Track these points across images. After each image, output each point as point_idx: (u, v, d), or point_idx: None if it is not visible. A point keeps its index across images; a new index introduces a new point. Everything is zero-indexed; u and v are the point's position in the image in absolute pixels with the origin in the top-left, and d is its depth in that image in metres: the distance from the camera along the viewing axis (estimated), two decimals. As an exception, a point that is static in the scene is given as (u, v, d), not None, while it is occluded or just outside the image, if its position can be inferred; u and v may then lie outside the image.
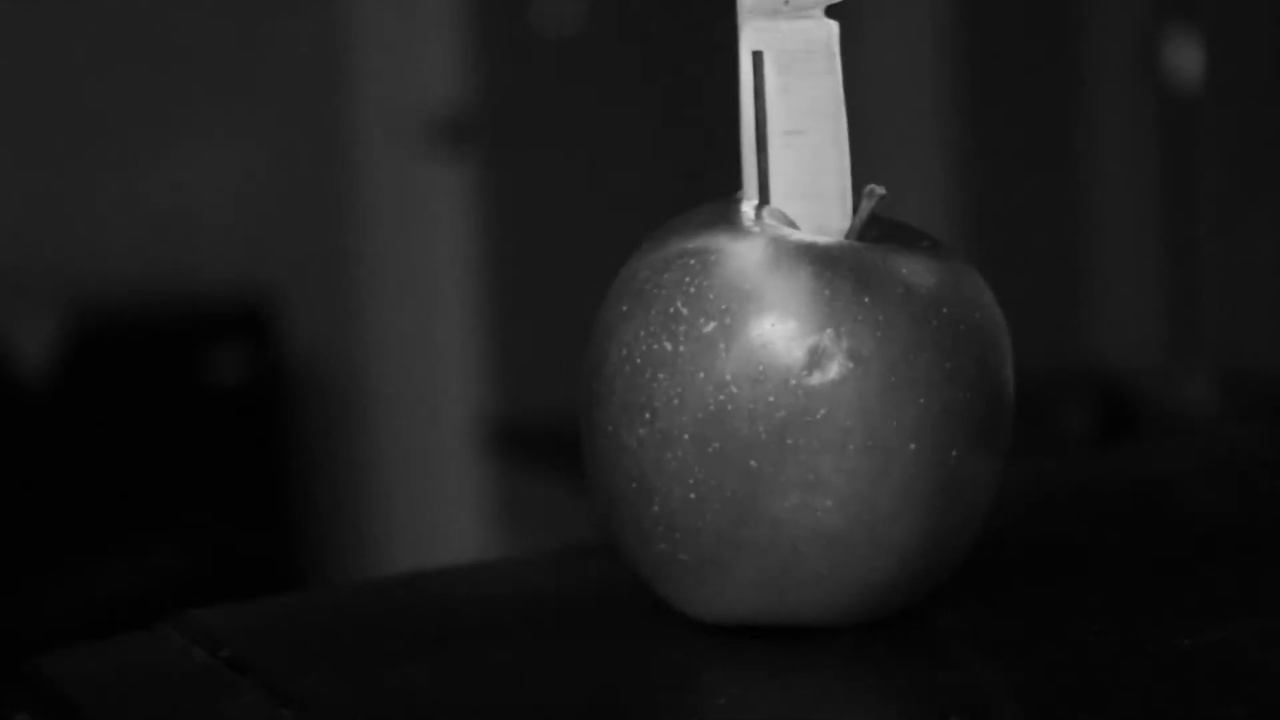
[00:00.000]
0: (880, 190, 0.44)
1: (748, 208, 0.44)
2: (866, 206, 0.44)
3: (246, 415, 2.09)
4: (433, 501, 2.46)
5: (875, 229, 0.45)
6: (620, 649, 0.44)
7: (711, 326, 0.42)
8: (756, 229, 0.43)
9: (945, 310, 0.42)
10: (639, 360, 0.43)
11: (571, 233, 2.50)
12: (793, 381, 0.41)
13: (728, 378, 0.42)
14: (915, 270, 0.42)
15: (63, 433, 1.97)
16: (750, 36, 0.44)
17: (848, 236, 0.44)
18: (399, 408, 2.43)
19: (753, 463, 0.42)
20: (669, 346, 0.42)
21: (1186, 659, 0.41)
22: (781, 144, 0.44)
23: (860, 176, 0.44)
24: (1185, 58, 2.74)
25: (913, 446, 0.42)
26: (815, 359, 0.41)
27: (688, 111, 2.60)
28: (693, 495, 0.42)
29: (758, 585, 0.43)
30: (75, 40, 2.19)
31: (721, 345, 0.42)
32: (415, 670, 0.43)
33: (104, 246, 2.21)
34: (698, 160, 2.46)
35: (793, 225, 0.44)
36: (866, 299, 0.41)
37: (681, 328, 0.42)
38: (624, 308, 0.44)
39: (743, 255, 0.42)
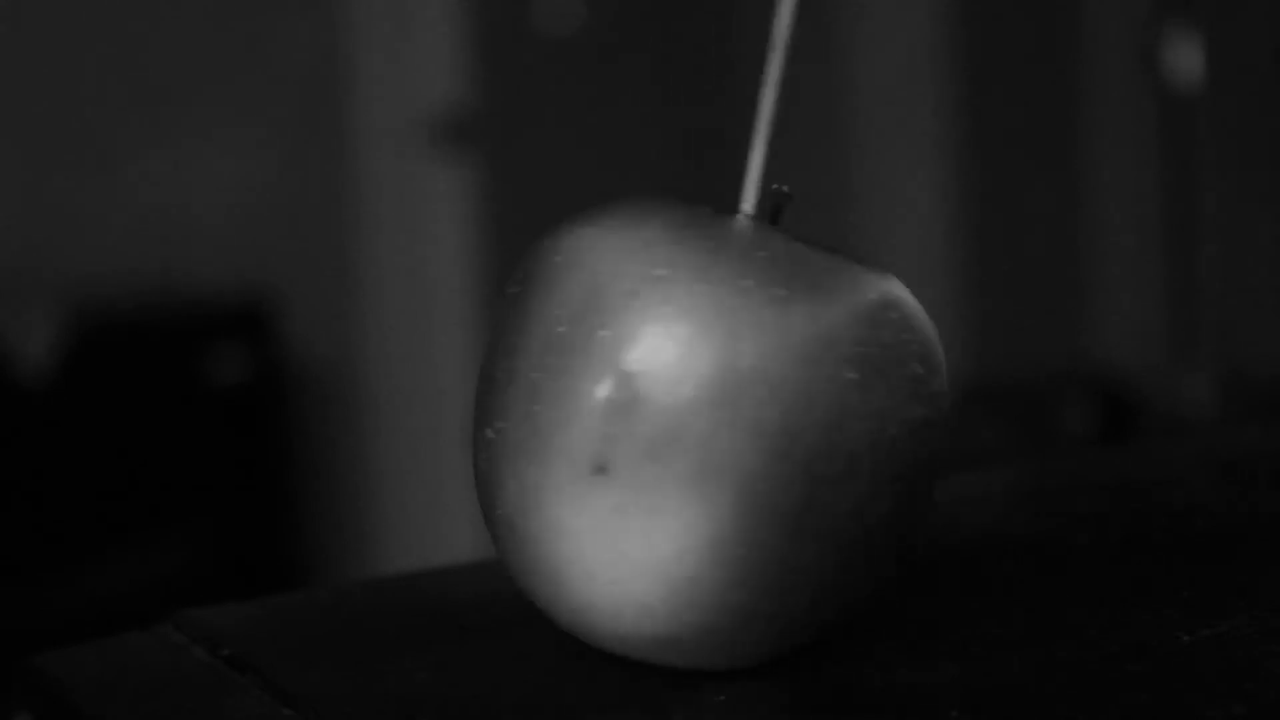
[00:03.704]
0: (780, 189, 0.43)
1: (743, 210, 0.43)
2: (769, 204, 0.43)
3: (246, 415, 2.09)
4: (433, 501, 2.46)
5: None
6: (620, 648, 0.44)
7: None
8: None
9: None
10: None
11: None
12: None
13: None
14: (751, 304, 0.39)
15: (62, 432, 1.97)
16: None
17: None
18: (399, 408, 2.43)
19: None
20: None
21: (1185, 657, 0.41)
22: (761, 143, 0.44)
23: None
24: (1185, 58, 2.74)
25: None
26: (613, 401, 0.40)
27: (688, 111, 2.60)
28: None
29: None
30: (75, 40, 2.19)
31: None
32: (415, 670, 0.43)
33: (104, 246, 2.21)
34: (698, 160, 2.46)
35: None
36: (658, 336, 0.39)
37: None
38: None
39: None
